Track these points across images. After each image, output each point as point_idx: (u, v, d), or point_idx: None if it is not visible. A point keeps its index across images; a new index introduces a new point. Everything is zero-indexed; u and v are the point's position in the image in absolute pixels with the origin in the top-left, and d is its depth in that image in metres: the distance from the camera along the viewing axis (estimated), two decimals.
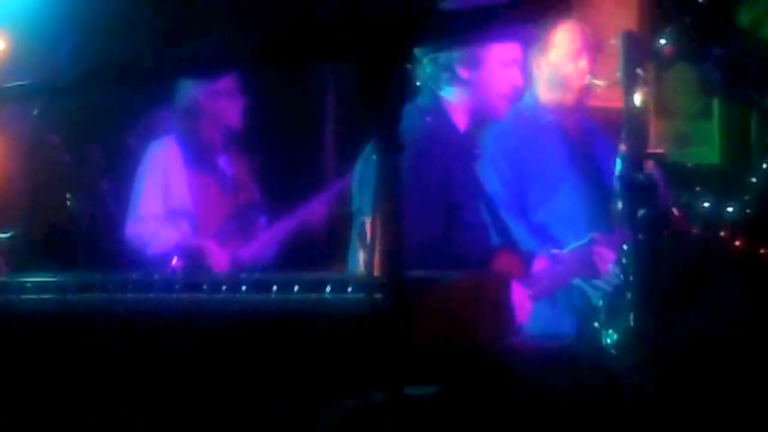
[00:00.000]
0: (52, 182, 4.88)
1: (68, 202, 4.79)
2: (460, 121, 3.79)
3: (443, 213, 3.62)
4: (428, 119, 3.69)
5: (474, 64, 3.75)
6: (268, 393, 2.68)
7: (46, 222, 4.91)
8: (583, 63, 4.19)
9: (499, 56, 3.75)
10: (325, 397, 2.61)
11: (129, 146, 4.90)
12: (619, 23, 4.68)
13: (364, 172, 3.74)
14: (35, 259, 4.35)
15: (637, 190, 3.24)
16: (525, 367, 2.92)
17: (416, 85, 3.78)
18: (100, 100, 4.69)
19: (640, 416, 2.85)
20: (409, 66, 3.72)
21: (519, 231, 3.96)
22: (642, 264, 3.05)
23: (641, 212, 3.20)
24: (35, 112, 4.73)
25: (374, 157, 2.16)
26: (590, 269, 3.87)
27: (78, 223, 4.84)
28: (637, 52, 3.53)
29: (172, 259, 4.55)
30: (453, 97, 3.78)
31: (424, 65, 3.79)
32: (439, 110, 3.76)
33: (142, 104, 4.90)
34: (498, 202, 3.90)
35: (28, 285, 2.97)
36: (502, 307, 2.89)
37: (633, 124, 3.29)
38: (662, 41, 4.38)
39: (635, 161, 3.28)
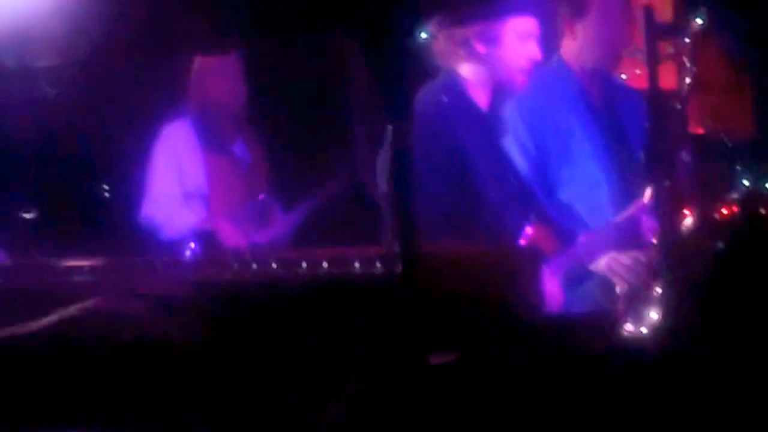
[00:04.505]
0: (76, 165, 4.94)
1: (96, 186, 4.86)
2: (479, 97, 3.80)
3: (464, 191, 3.64)
4: (445, 99, 3.71)
5: (491, 39, 3.75)
6: (297, 367, 2.73)
7: (67, 205, 4.97)
8: (622, 29, 4.10)
9: (516, 30, 3.75)
10: (351, 371, 2.66)
11: (142, 129, 4.94)
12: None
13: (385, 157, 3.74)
14: (61, 241, 4.40)
15: (661, 165, 3.25)
16: (549, 341, 2.94)
17: (433, 65, 3.80)
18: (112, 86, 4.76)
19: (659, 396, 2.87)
20: (420, 41, 3.78)
21: (548, 205, 3.92)
22: (666, 244, 3.07)
23: (664, 187, 3.21)
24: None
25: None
26: (634, 239, 3.82)
27: (99, 206, 4.90)
28: (660, 26, 3.52)
29: (187, 242, 4.55)
30: (470, 73, 3.79)
31: (440, 42, 3.81)
32: (456, 88, 3.78)
33: (154, 86, 4.95)
34: (527, 176, 3.88)
35: (59, 268, 3.04)
36: (530, 281, 2.92)
37: (657, 100, 3.30)
38: (697, 20, 4.37)
39: (659, 136, 3.29)
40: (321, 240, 4.57)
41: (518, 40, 3.75)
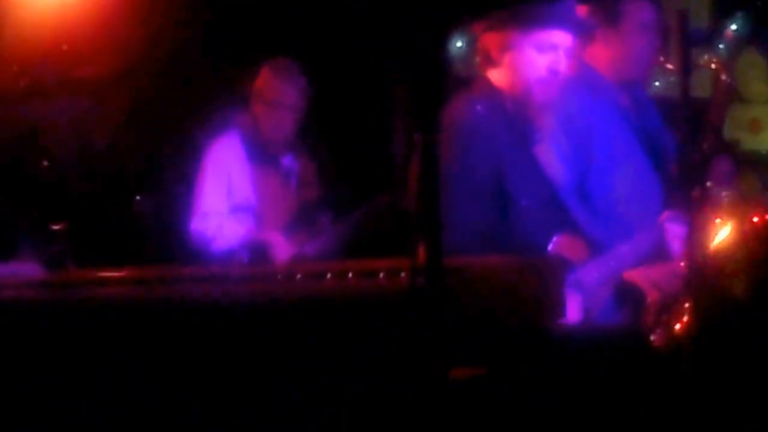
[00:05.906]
0: (116, 178, 4.99)
1: (137, 198, 4.90)
2: (511, 104, 3.78)
3: (498, 199, 3.61)
4: (480, 106, 3.69)
5: (505, 47, 3.73)
6: (318, 378, 2.73)
7: (110, 217, 5.02)
8: (655, 41, 4.07)
9: (534, 41, 3.71)
10: (373, 381, 2.65)
11: (192, 143, 4.98)
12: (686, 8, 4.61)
13: None
14: (99, 254, 4.43)
15: (692, 170, 3.20)
16: (572, 351, 2.91)
17: (468, 72, 3.79)
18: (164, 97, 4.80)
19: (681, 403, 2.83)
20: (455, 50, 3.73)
21: (580, 214, 3.89)
22: (692, 245, 3.02)
23: (695, 192, 3.16)
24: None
25: None
26: (667, 249, 3.78)
27: (143, 218, 4.95)
28: (693, 33, 3.47)
29: (237, 254, 4.60)
30: (498, 81, 3.77)
31: (471, 50, 3.79)
32: (489, 96, 3.75)
33: (205, 101, 4.99)
34: (560, 185, 3.85)
35: (95, 279, 3.07)
36: (556, 292, 2.89)
37: (689, 106, 3.25)
38: (732, 26, 4.33)
39: (691, 141, 3.24)
40: (365, 251, 4.57)
41: (536, 51, 3.71)
